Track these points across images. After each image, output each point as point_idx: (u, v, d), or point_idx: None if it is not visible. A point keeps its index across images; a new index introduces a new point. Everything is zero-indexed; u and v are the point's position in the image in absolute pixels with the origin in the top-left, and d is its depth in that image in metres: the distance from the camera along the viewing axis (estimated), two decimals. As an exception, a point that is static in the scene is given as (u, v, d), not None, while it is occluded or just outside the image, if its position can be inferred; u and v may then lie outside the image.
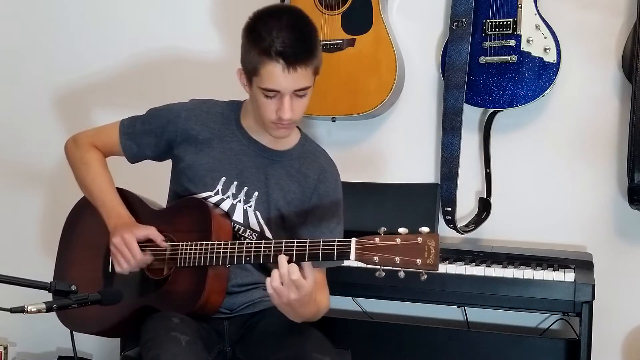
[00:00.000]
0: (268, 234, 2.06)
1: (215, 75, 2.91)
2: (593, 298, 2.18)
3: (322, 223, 2.07)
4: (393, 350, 2.54)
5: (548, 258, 2.39)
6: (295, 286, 1.76)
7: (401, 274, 1.70)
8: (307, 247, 1.80)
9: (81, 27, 3.17)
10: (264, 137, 2.06)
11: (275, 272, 1.77)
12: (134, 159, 2.16)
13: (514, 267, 2.29)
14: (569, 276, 2.22)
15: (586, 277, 2.23)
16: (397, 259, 1.69)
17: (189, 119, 2.07)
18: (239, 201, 2.05)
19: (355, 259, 1.73)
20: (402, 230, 1.71)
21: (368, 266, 1.72)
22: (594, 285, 2.19)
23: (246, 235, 2.05)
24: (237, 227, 2.05)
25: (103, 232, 2.09)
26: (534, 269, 2.26)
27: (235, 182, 2.05)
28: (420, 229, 1.69)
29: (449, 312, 2.63)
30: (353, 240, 1.74)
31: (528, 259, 2.38)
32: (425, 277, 1.68)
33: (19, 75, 3.26)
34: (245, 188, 2.05)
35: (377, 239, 1.71)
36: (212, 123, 2.08)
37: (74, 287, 1.65)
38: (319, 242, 1.79)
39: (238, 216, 2.05)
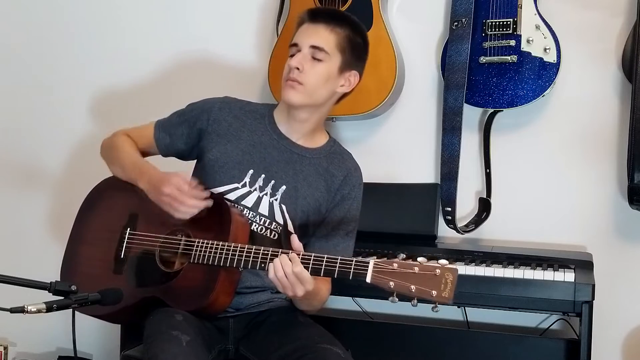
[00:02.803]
0: (291, 228, 2.08)
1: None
2: (593, 298, 2.18)
3: (341, 225, 2.11)
4: (393, 350, 2.54)
5: (548, 258, 2.38)
6: (299, 279, 1.79)
7: (414, 302, 1.69)
8: (324, 263, 1.80)
9: (94, 28, 3.17)
10: (295, 134, 2.11)
11: (277, 263, 1.80)
12: (165, 150, 2.20)
13: (514, 267, 2.28)
14: (569, 276, 2.21)
15: (586, 277, 2.23)
16: (412, 287, 1.68)
17: (223, 110, 2.13)
18: (266, 194, 2.08)
19: (371, 282, 1.73)
20: (421, 259, 1.71)
21: (383, 290, 1.72)
22: (594, 285, 2.19)
23: (272, 228, 2.07)
24: (262, 220, 2.06)
25: (120, 217, 2.11)
26: (534, 269, 2.26)
27: (263, 175, 2.08)
28: (439, 261, 1.69)
29: (449, 312, 2.62)
30: (371, 262, 1.74)
31: (528, 259, 2.37)
32: (438, 309, 1.68)
33: (23, 76, 3.27)
34: (273, 181, 2.08)
35: (395, 265, 1.71)
36: (244, 117, 2.13)
37: (74, 287, 1.66)
38: (337, 259, 1.79)
39: (263, 209, 2.07)
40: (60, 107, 3.20)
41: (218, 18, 3.00)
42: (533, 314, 2.50)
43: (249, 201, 2.07)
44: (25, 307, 1.52)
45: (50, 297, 1.65)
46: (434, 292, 1.66)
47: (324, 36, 2.03)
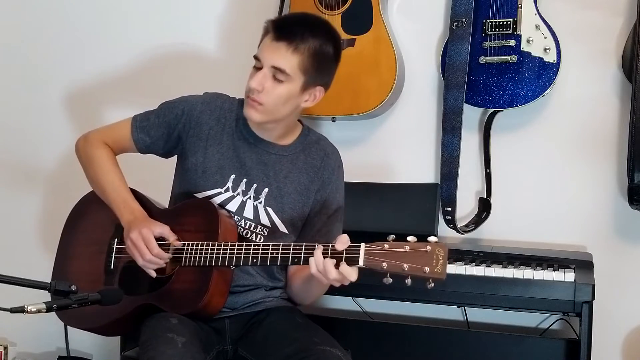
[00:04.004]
0: (282, 227, 2.07)
1: (223, 74, 2.91)
2: (593, 298, 2.18)
3: (322, 210, 2.10)
4: (393, 350, 2.54)
5: (548, 258, 2.38)
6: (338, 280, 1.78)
7: (408, 281, 1.70)
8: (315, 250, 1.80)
9: (86, 25, 3.16)
10: (270, 134, 2.09)
11: (312, 264, 1.78)
12: (144, 150, 2.18)
13: (514, 267, 2.28)
14: (569, 276, 2.21)
15: (586, 277, 2.23)
16: (405, 266, 1.69)
17: (204, 112, 2.10)
18: (249, 198, 2.07)
19: (364, 265, 1.74)
20: (410, 238, 1.71)
21: (376, 271, 1.73)
22: (594, 285, 2.19)
23: (257, 232, 2.06)
24: (248, 224, 2.06)
25: (106, 228, 2.10)
26: (534, 269, 2.26)
27: (245, 180, 2.07)
28: (428, 238, 1.70)
29: (449, 312, 2.63)
30: (362, 245, 1.74)
31: (528, 259, 2.37)
32: (432, 285, 1.69)
33: (21, 74, 3.26)
34: (255, 185, 2.07)
35: (386, 246, 1.72)
36: (223, 119, 2.11)
37: (74, 287, 1.65)
38: (328, 246, 1.79)
39: (248, 213, 2.07)
40: (58, 106, 3.19)
41: (218, 17, 3.00)
42: (533, 314, 2.50)
43: (233, 205, 2.07)
44: (25, 307, 1.52)
45: (50, 297, 1.65)
46: (427, 269, 1.68)
47: (285, 57, 1.93)
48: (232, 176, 2.07)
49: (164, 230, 2.00)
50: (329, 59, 2.01)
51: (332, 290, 2.09)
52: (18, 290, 1.62)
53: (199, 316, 1.97)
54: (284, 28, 1.95)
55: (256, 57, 1.98)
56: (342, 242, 1.77)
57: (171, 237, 1.99)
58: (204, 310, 1.96)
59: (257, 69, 1.98)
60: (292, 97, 1.99)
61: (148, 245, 1.96)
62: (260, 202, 2.07)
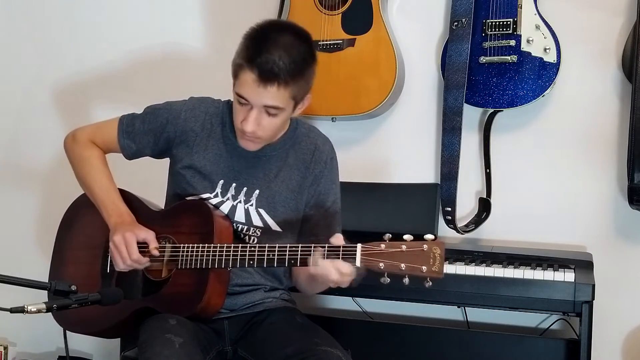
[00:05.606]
0: (275, 227, 2.06)
1: (212, 73, 2.90)
2: (593, 298, 2.18)
3: (317, 206, 2.09)
4: (393, 350, 2.54)
5: (548, 258, 2.38)
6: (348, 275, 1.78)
7: (406, 281, 1.70)
8: (312, 251, 1.80)
9: (77, 23, 3.17)
10: None
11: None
12: (131, 157, 2.17)
13: (514, 267, 2.28)
14: (569, 276, 2.21)
15: (586, 277, 2.23)
16: (402, 265, 1.69)
17: (188, 120, 2.08)
18: (240, 202, 2.06)
19: (361, 265, 1.74)
20: (407, 237, 1.71)
21: (373, 271, 1.73)
22: (594, 285, 2.19)
23: (250, 234, 2.06)
24: (240, 227, 2.06)
25: (101, 231, 2.09)
26: (534, 269, 2.26)
27: (234, 184, 2.06)
28: (425, 236, 1.69)
29: (449, 312, 2.63)
30: (359, 246, 1.74)
31: (528, 259, 2.37)
32: (430, 284, 1.69)
33: (14, 73, 3.26)
34: (245, 188, 2.06)
35: (382, 245, 1.72)
36: (209, 124, 2.08)
37: (74, 287, 1.65)
38: (324, 246, 1.79)
39: (240, 216, 2.06)
40: (53, 105, 3.19)
41: (217, 17, 3.00)
42: (533, 314, 2.50)
43: (224, 210, 2.06)
44: (25, 307, 1.52)
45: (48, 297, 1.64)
46: (424, 268, 1.68)
47: (278, 95, 1.88)
48: (221, 181, 2.06)
49: (148, 236, 2.00)
50: (308, 65, 1.93)
51: (332, 290, 2.10)
52: (18, 290, 1.62)
53: (198, 318, 1.97)
54: (268, 69, 1.84)
55: (240, 96, 1.90)
56: (339, 238, 1.78)
57: (152, 244, 2.00)
58: (203, 312, 1.96)
59: (243, 104, 1.92)
60: (287, 120, 2.00)
61: (129, 250, 1.97)
62: (251, 205, 2.06)
